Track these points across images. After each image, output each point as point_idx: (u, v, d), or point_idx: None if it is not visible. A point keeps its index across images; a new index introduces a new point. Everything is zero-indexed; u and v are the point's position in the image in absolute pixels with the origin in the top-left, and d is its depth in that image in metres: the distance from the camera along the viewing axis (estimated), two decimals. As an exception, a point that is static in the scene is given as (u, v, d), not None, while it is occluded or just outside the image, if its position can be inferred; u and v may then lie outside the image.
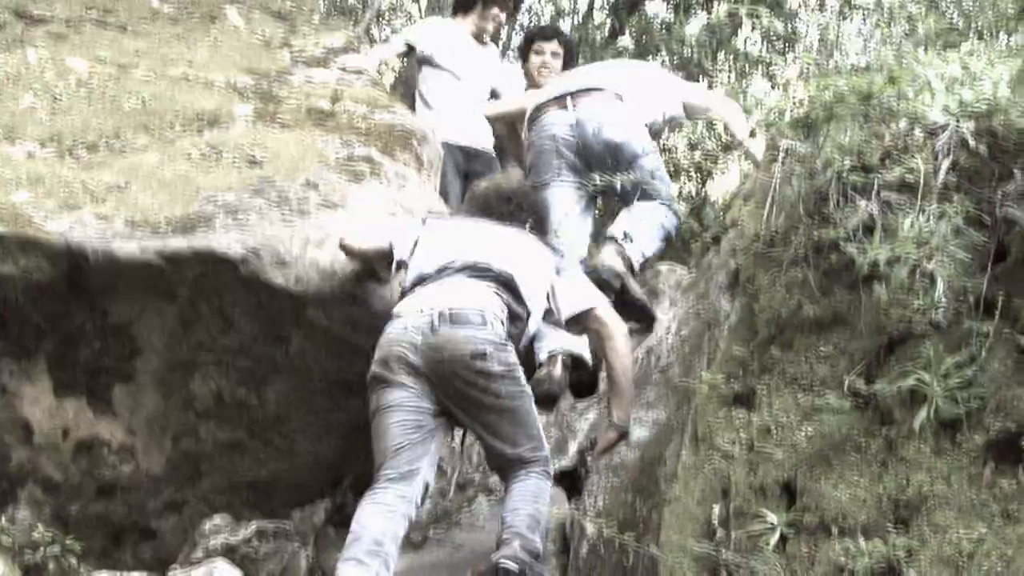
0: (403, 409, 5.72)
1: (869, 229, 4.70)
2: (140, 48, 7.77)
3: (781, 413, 4.69)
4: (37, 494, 5.99)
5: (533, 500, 5.74)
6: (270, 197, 6.22)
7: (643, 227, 7.92)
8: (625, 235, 7.80)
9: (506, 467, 5.87)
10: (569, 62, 9.61)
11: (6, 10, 7.82)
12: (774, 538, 4.37)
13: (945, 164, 4.67)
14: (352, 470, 6.47)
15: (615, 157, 8.03)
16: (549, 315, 6.31)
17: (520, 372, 5.90)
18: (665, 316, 7.40)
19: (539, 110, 8.45)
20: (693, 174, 16.16)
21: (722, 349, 5.40)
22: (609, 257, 7.53)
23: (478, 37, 10.08)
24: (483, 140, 9.72)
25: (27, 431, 5.90)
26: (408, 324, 5.78)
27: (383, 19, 20.88)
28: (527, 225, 6.54)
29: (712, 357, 5.57)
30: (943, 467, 4.09)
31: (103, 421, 5.99)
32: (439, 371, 5.73)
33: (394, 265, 6.24)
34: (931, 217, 4.41)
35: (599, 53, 14.84)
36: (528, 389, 5.96)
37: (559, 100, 8.39)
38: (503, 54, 10.51)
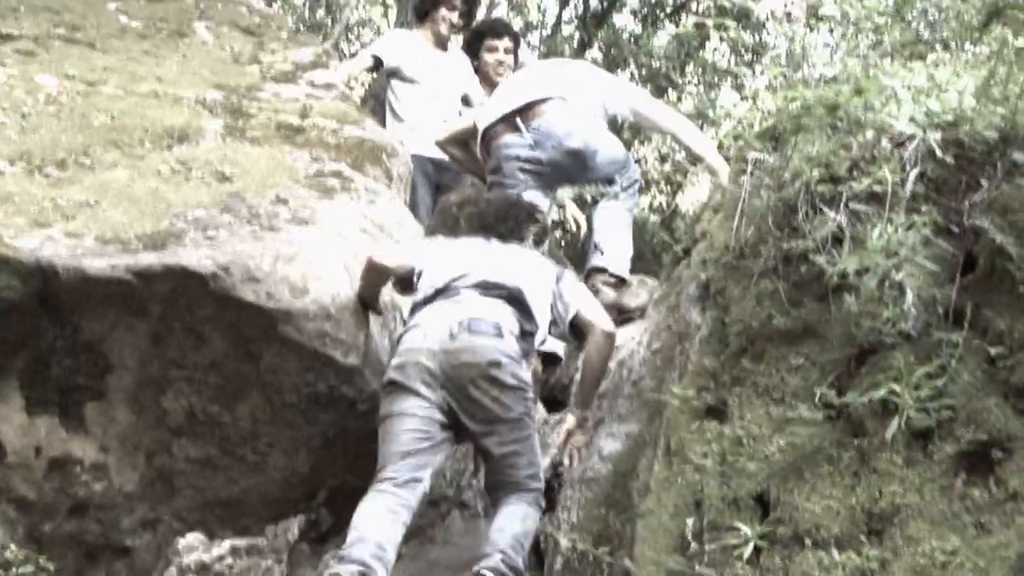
0: (415, 417, 5.79)
1: (838, 240, 4.72)
2: (109, 64, 7.76)
3: (753, 425, 4.71)
4: (10, 513, 5.96)
5: (521, 522, 5.80)
6: (240, 213, 6.22)
7: (615, 231, 8.02)
8: (601, 251, 7.93)
9: (501, 489, 5.92)
10: (516, 59, 9.70)
11: (-27, 29, 7.83)
12: (748, 551, 4.39)
13: (913, 175, 4.70)
14: (326, 485, 6.46)
15: (582, 162, 8.12)
16: (554, 326, 6.38)
17: (530, 395, 6.02)
18: (636, 329, 7.41)
19: (491, 131, 8.47)
20: (664, 186, 16.21)
21: (693, 361, 5.41)
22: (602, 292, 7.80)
23: (439, 44, 10.22)
24: None
25: (-1, 450, 5.89)
26: (427, 332, 5.90)
27: (352, 34, 20.88)
28: (528, 239, 6.66)
29: (684, 370, 5.58)
30: (915, 478, 4.12)
31: (76, 439, 5.97)
32: (455, 377, 5.82)
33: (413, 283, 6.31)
34: (899, 228, 4.43)
35: (568, 66, 14.83)
36: (532, 418, 6.06)
37: (508, 122, 8.40)
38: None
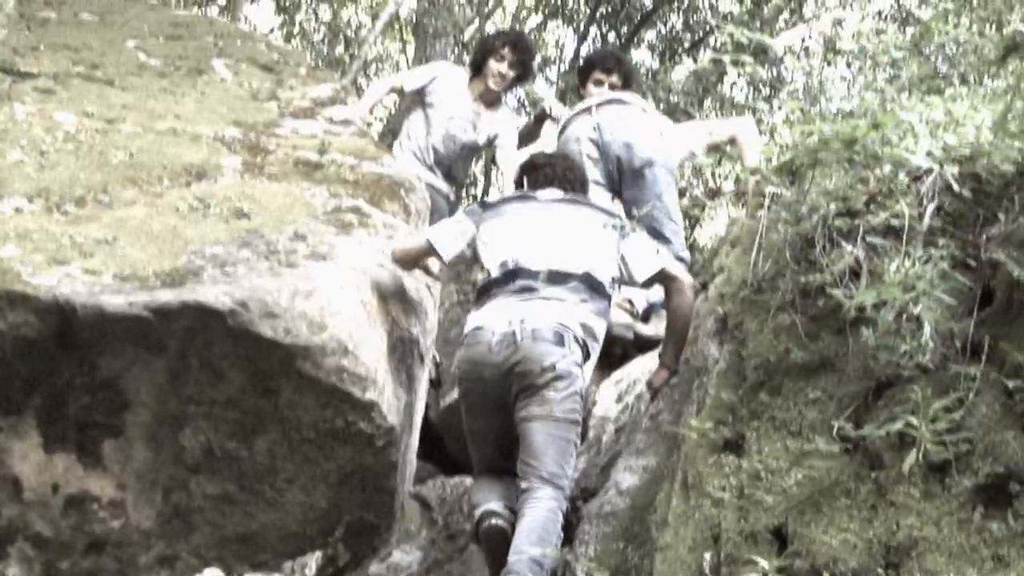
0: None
1: (855, 274, 4.72)
2: (127, 102, 7.80)
3: (771, 459, 4.68)
4: (27, 550, 5.96)
5: (538, 540, 5.91)
6: (258, 249, 6.23)
7: None
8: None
9: (526, 481, 6.20)
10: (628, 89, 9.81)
11: (-7, 66, 7.87)
12: (765, 584, 4.36)
13: (930, 208, 4.69)
14: (343, 520, 6.44)
15: (628, 161, 8.36)
16: (625, 278, 6.82)
17: (579, 399, 6.36)
18: (654, 363, 7.40)
19: (567, 122, 9.15)
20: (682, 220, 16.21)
21: (711, 395, 5.40)
22: (616, 313, 7.81)
23: (485, 100, 10.17)
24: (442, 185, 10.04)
25: (17, 487, 5.88)
26: (494, 333, 6.37)
27: (370, 69, 20.97)
28: (577, 190, 7.14)
29: (701, 403, 5.57)
30: (933, 511, 4.09)
31: (93, 476, 5.98)
32: (515, 372, 6.30)
33: (442, 263, 7.00)
34: (917, 261, 4.42)
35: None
36: (578, 426, 6.38)
37: (585, 110, 9.10)
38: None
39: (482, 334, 6.42)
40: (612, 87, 9.62)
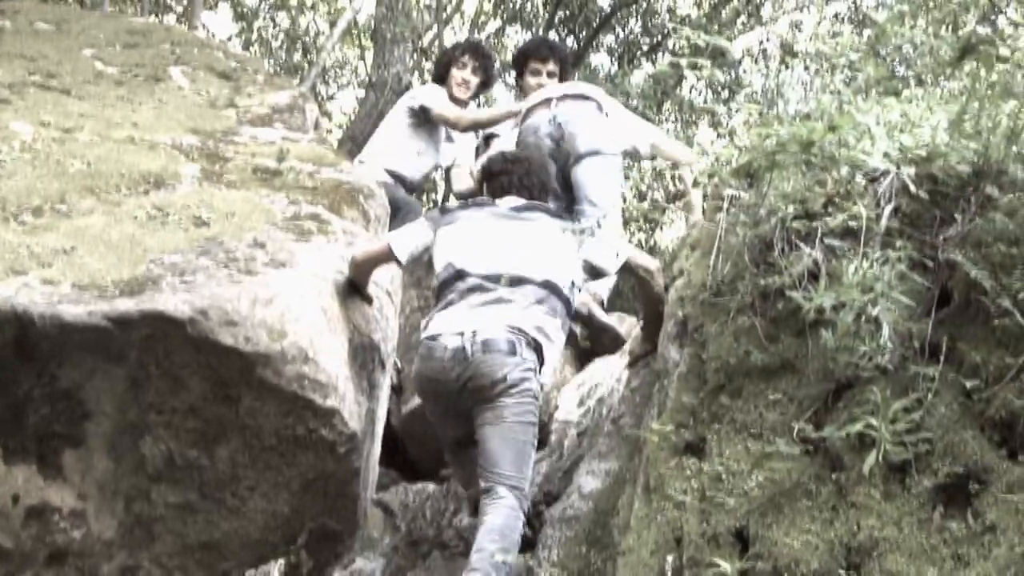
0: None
1: (814, 276, 4.74)
2: (84, 111, 7.76)
3: (732, 461, 4.71)
4: (-13, 562, 5.94)
5: (500, 538, 6.01)
6: (217, 257, 6.21)
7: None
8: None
9: (486, 483, 6.32)
10: (563, 79, 9.85)
11: (-52, 77, 7.83)
12: (728, 586, 4.38)
13: (887, 210, 4.72)
14: (306, 527, 6.44)
15: (575, 150, 8.47)
16: (594, 275, 7.03)
17: (532, 399, 6.43)
18: (615, 366, 7.42)
19: (527, 113, 9.23)
20: (642, 224, 16.24)
21: (672, 398, 5.42)
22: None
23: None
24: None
25: (-24, 499, 5.86)
26: (446, 348, 6.53)
27: (328, 76, 20.93)
28: (535, 196, 7.21)
29: (662, 407, 5.59)
30: (893, 512, 4.12)
31: (53, 487, 5.94)
32: (467, 388, 6.45)
33: (399, 265, 6.97)
34: (875, 263, 4.44)
35: (543, 105, 14.88)
36: (534, 427, 6.46)
37: (544, 102, 9.18)
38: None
39: (435, 348, 6.58)
40: (550, 75, 9.71)
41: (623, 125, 9.28)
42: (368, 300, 6.78)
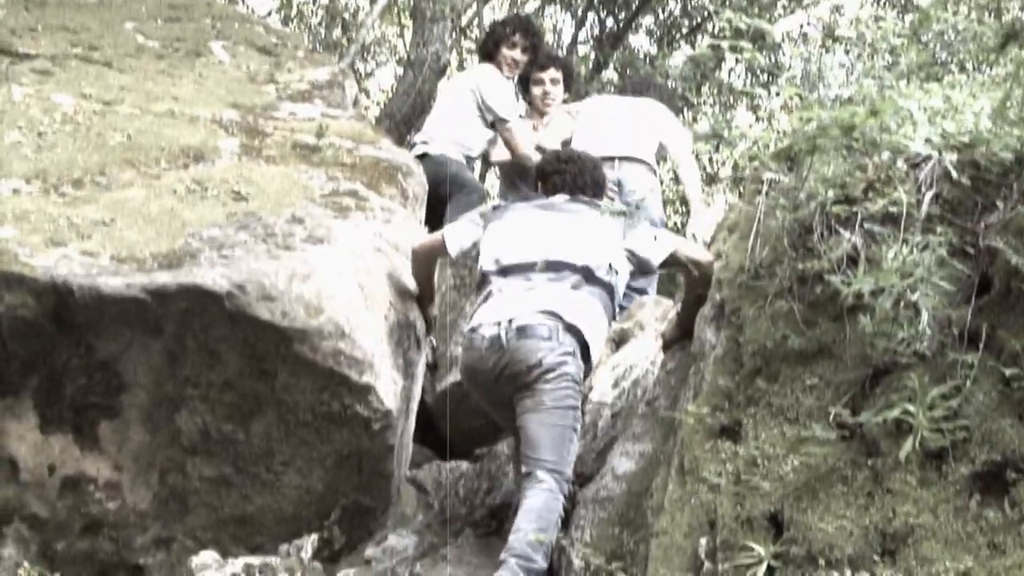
0: None
1: (853, 260, 4.71)
2: (125, 84, 7.79)
3: (767, 445, 4.68)
4: (23, 531, 5.96)
5: (537, 519, 6.07)
6: (256, 232, 6.22)
7: None
8: None
9: (527, 467, 6.34)
10: (568, 86, 9.87)
11: (-9, 47, 7.86)
12: (761, 570, 4.36)
13: (928, 196, 4.68)
14: (339, 503, 6.45)
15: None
16: (640, 267, 7.06)
17: (572, 383, 6.46)
18: (650, 349, 7.40)
19: None
20: (679, 206, 16.21)
21: (708, 381, 5.40)
22: None
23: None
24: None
25: (13, 468, 5.89)
26: (483, 338, 6.49)
27: (367, 53, 20.91)
28: (588, 195, 7.22)
29: (698, 389, 5.57)
30: (929, 498, 4.10)
31: (89, 457, 5.98)
32: (504, 375, 6.46)
33: (448, 258, 7.20)
34: (915, 248, 4.41)
35: (583, 87, 14.87)
36: (575, 411, 6.49)
37: (607, 160, 8.88)
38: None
39: (475, 339, 6.56)
40: (553, 82, 10.03)
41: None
42: (430, 296, 7.18)
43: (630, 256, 6.89)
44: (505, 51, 10.17)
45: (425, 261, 7.01)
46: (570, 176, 7.26)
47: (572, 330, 6.50)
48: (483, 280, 6.85)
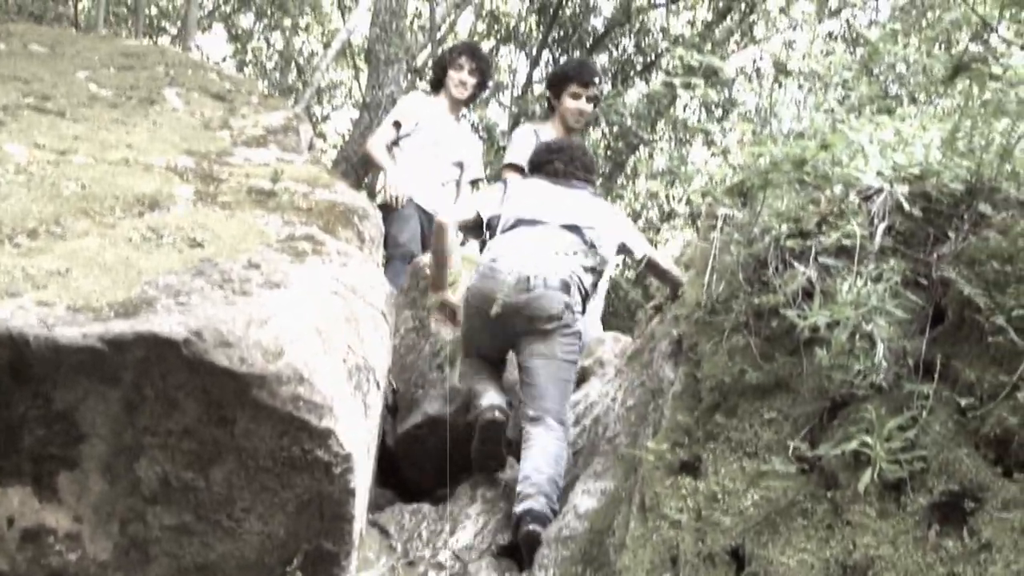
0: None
1: (808, 294, 4.75)
2: (79, 133, 7.77)
3: (727, 480, 4.70)
4: (-17, 585, 5.93)
5: (555, 463, 6.90)
6: (212, 278, 6.21)
7: None
8: None
9: (533, 411, 7.17)
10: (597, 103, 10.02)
11: (-57, 99, 7.84)
12: (724, 606, 4.37)
13: (881, 228, 4.73)
14: (302, 548, 6.42)
15: None
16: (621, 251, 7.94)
17: (578, 339, 7.40)
18: (610, 386, 7.43)
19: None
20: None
21: (667, 417, 5.42)
22: None
23: (454, 110, 10.64)
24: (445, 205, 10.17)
25: (-28, 521, 5.85)
26: (510, 273, 7.22)
27: (323, 96, 20.94)
28: (580, 177, 8.08)
29: (657, 426, 5.59)
30: (889, 530, 4.11)
31: (48, 509, 5.94)
32: (523, 315, 7.25)
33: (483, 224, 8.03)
34: (868, 280, 4.45)
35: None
36: (576, 366, 7.48)
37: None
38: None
39: (498, 270, 7.32)
40: (590, 100, 9.80)
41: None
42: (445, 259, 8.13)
43: (619, 245, 7.84)
44: (452, 74, 10.45)
45: (450, 235, 7.94)
46: (561, 163, 8.02)
47: (580, 291, 7.41)
48: (503, 231, 7.70)
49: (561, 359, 7.24)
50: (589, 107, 9.89)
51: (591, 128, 16.00)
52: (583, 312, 7.53)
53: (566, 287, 7.27)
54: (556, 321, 7.19)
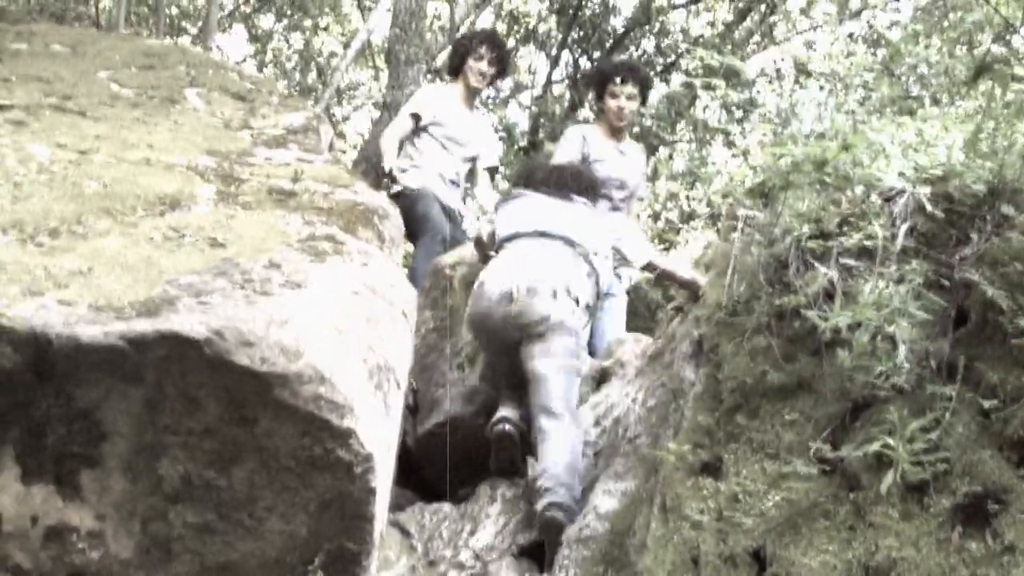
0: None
1: (830, 295, 4.74)
2: (100, 132, 7.78)
3: (748, 481, 4.69)
4: (6, 583, 5.94)
5: (571, 451, 7.04)
6: (233, 278, 6.21)
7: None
8: None
9: (540, 416, 7.29)
10: (644, 100, 9.93)
11: (-35, 99, 7.85)
12: (745, 607, 4.37)
13: (903, 229, 4.71)
14: (323, 548, 6.42)
15: None
16: (619, 260, 8.19)
17: (575, 334, 7.62)
18: (631, 386, 7.42)
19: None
20: (656, 244, 16.25)
21: (688, 418, 5.41)
22: None
23: (469, 100, 10.64)
24: (459, 203, 10.56)
25: (-5, 519, 5.87)
26: (494, 290, 7.64)
27: (343, 97, 20.95)
28: (589, 200, 8.40)
29: (679, 427, 5.58)
30: (911, 532, 4.10)
31: (71, 507, 5.95)
32: (514, 324, 7.55)
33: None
34: (890, 282, 4.44)
35: (558, 126, 14.92)
36: (577, 357, 7.61)
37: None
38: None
39: (484, 292, 7.70)
40: (630, 98, 9.74)
41: None
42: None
43: (616, 252, 8.09)
44: (472, 63, 10.43)
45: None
46: (553, 180, 8.33)
47: (570, 296, 7.61)
48: (498, 248, 8.04)
49: (561, 354, 7.44)
50: (630, 104, 9.83)
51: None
52: (589, 313, 7.88)
53: (553, 293, 7.55)
54: (547, 323, 7.47)
